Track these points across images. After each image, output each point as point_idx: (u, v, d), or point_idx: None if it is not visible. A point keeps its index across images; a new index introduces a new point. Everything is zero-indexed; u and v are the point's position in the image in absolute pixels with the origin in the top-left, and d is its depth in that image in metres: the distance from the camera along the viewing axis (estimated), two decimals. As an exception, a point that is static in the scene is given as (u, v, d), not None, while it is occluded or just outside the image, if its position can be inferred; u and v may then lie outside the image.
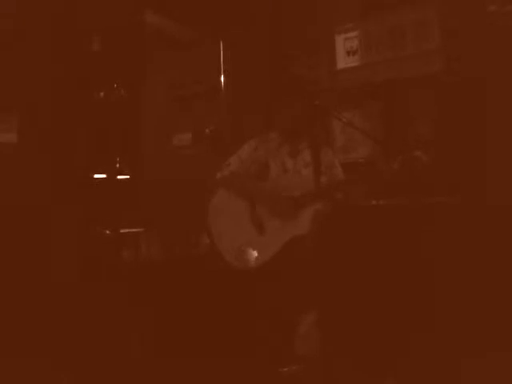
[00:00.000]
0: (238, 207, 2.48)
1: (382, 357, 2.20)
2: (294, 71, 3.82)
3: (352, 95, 3.55)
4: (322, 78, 3.73)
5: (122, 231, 3.48)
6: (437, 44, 3.23)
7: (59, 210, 3.20)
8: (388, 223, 2.44)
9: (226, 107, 4.04)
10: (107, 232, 3.43)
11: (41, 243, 3.06)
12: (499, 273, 2.16)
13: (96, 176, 3.62)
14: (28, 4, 3.37)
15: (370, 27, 3.52)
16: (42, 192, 3.17)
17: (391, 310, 2.26)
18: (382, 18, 3.46)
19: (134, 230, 3.59)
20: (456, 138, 3.03)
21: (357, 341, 2.26)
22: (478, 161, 2.88)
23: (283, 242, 2.36)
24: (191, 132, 4.22)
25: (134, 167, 3.86)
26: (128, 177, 3.79)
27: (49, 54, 3.41)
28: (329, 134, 3.61)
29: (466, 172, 2.90)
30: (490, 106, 2.90)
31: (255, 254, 2.37)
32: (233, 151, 2.67)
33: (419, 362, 2.10)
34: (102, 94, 3.68)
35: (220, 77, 4.04)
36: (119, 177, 3.73)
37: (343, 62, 3.65)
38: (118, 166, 3.70)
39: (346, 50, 3.64)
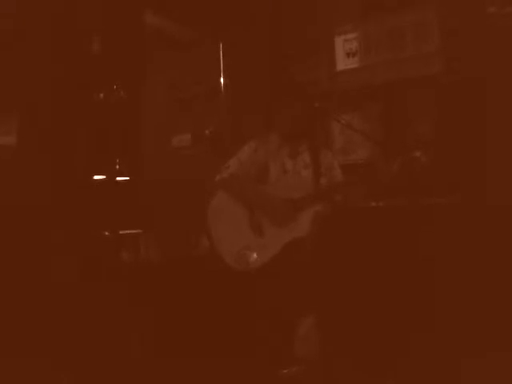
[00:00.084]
0: (237, 210, 2.48)
1: (381, 358, 2.20)
2: (294, 72, 3.82)
3: (351, 97, 3.55)
4: (321, 80, 3.73)
5: (121, 232, 3.48)
6: (436, 45, 3.23)
7: (59, 211, 3.20)
8: (387, 225, 2.44)
9: (226, 108, 4.04)
10: (106, 233, 3.42)
11: (41, 244, 3.06)
12: (499, 273, 2.16)
13: (95, 177, 3.61)
14: (28, 4, 3.37)
15: (370, 29, 3.52)
16: (41, 193, 3.17)
17: (391, 311, 2.26)
18: (382, 20, 3.46)
19: (133, 231, 3.59)
20: (455, 138, 3.03)
21: (356, 342, 2.26)
22: (478, 162, 2.89)
23: (282, 244, 2.36)
24: (191, 133, 4.22)
25: (133, 168, 3.86)
26: (128, 178, 3.79)
27: (48, 55, 3.41)
28: (328, 135, 3.61)
29: (466, 173, 2.90)
30: (489, 107, 2.91)
31: (255, 256, 2.37)
32: (232, 152, 2.67)
33: (419, 362, 2.10)
34: (101, 95, 3.67)
35: (220, 78, 4.05)
36: (119, 178, 3.72)
37: (342, 63, 3.65)
38: (117, 167, 3.70)
39: (345, 52, 3.64)
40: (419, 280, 2.25)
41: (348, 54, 3.62)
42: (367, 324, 2.27)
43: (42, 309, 2.74)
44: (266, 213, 2.44)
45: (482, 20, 2.97)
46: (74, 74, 3.54)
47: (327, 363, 2.22)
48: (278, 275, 2.32)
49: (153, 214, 3.78)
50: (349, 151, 3.53)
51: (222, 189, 2.55)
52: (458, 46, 3.12)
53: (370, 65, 3.51)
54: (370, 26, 3.52)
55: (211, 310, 2.60)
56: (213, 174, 2.61)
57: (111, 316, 2.70)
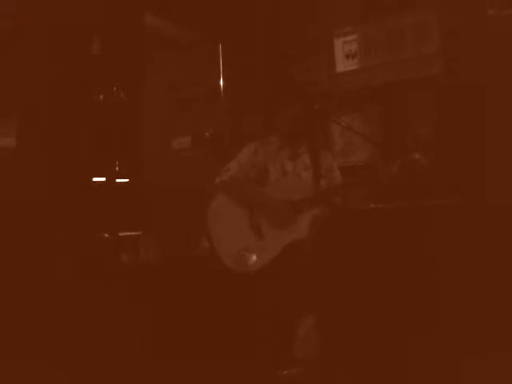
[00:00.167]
0: (236, 212, 2.48)
1: (381, 359, 2.20)
2: (294, 72, 3.83)
3: (351, 98, 3.55)
4: (321, 81, 3.73)
5: (121, 234, 3.48)
6: (436, 47, 3.23)
7: (58, 212, 3.20)
8: (387, 227, 2.43)
9: (226, 110, 4.04)
10: (106, 235, 3.42)
11: (40, 246, 3.06)
12: (499, 274, 2.17)
13: (95, 179, 3.61)
14: (28, 4, 3.36)
15: (369, 30, 3.52)
16: (41, 195, 3.17)
17: (391, 312, 2.27)
18: (381, 21, 3.46)
19: (133, 233, 3.59)
20: (455, 140, 3.03)
21: (356, 343, 2.26)
22: (478, 163, 2.89)
23: (282, 246, 2.37)
24: (191, 135, 4.22)
25: (133, 170, 3.85)
26: (127, 180, 3.78)
27: (48, 56, 3.40)
28: (328, 137, 3.61)
29: (466, 174, 2.90)
30: (489, 109, 2.91)
31: (254, 258, 2.37)
32: (232, 154, 2.68)
33: (419, 362, 2.11)
34: (101, 96, 3.67)
35: (219, 79, 4.05)
36: (118, 180, 3.72)
37: (342, 65, 3.65)
38: (117, 169, 3.69)
39: (345, 54, 3.64)
40: (419, 282, 2.25)
41: (347, 56, 3.62)
42: (367, 325, 2.27)
43: (42, 309, 2.74)
44: (266, 214, 2.44)
45: (481, 22, 2.98)
46: (74, 74, 3.53)
47: (327, 364, 2.22)
48: (278, 277, 2.32)
49: (152, 216, 3.78)
50: (349, 153, 3.53)
51: (222, 191, 2.55)
52: (457, 48, 3.12)
53: (370, 66, 3.51)
54: (370, 28, 3.52)
55: (211, 311, 2.61)
56: (213, 176, 2.61)
57: (111, 317, 2.70)
